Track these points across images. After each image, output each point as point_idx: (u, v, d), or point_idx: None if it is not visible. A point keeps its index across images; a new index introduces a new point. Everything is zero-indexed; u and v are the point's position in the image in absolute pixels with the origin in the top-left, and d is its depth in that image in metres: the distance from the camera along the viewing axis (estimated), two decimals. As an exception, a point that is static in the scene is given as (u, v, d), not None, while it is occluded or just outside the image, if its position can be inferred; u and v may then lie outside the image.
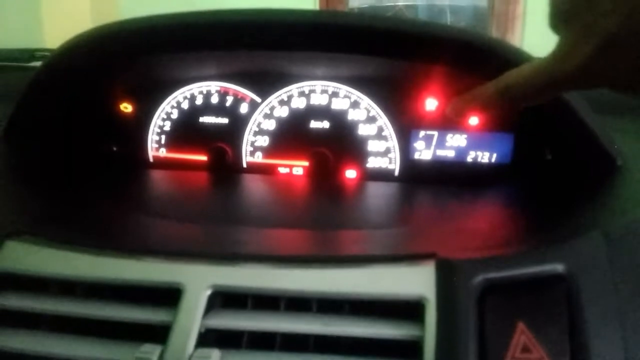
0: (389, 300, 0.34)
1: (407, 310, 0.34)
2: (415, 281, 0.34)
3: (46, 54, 0.89)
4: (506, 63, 0.42)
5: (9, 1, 1.53)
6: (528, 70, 0.36)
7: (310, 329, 0.34)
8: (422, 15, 2.80)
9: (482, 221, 0.46)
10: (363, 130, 0.61)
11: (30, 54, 0.95)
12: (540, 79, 0.35)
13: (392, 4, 2.78)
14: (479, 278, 0.33)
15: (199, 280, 0.35)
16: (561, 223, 0.40)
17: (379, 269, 0.35)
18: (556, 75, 0.33)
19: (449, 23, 2.28)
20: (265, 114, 0.62)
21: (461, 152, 0.59)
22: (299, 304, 0.35)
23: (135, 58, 0.55)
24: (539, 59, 0.36)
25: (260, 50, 0.53)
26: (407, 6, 2.75)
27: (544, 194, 0.50)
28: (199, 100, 0.63)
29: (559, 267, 0.33)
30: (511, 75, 0.37)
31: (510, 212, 0.49)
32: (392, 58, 0.50)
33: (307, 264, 0.36)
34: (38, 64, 0.68)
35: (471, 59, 0.46)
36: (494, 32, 1.82)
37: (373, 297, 0.34)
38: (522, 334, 0.31)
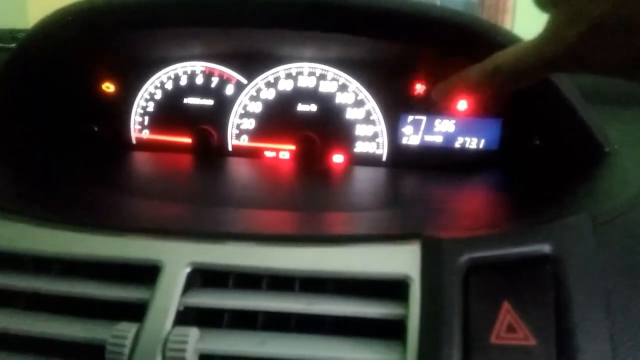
0: (373, 279, 0.33)
1: (391, 289, 0.33)
2: (400, 260, 0.33)
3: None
4: (496, 45, 0.42)
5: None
6: (517, 51, 0.35)
7: (293, 308, 0.33)
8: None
9: (469, 204, 0.45)
10: (351, 114, 0.60)
11: (13, 34, 0.93)
12: (529, 59, 0.34)
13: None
14: (465, 257, 0.32)
15: (177, 258, 0.34)
16: (548, 206, 0.39)
17: (363, 248, 0.34)
18: (545, 55, 0.33)
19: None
20: (251, 96, 0.61)
21: (449, 137, 0.58)
22: (281, 283, 0.35)
23: (117, 35, 0.54)
24: (528, 40, 0.35)
25: (247, 29, 0.51)
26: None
27: (532, 179, 0.49)
28: (183, 81, 0.61)
29: (545, 248, 0.32)
30: (500, 57, 0.36)
31: (498, 196, 0.48)
32: (381, 39, 0.49)
33: (291, 243, 0.35)
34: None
35: (462, 41, 0.46)
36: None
37: (357, 276, 0.33)
38: (507, 314, 0.30)
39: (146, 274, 0.35)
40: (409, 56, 0.54)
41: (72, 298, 0.35)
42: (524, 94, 0.46)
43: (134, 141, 0.64)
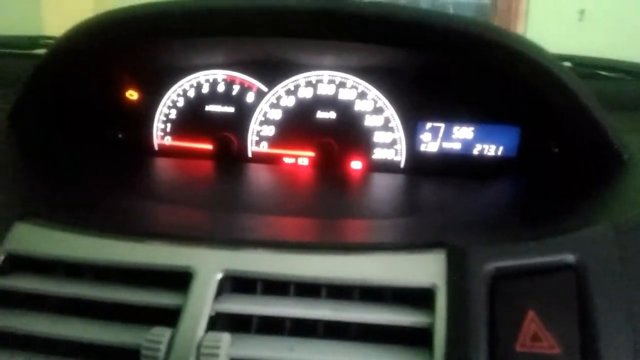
0: (400, 288, 0.34)
1: (417, 297, 0.34)
2: (425, 269, 0.34)
3: (50, 41, 0.88)
4: (513, 55, 0.42)
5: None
6: None
7: (320, 315, 0.34)
8: (425, 11, 2.79)
9: (490, 212, 0.46)
10: (369, 121, 0.60)
11: (34, 41, 0.95)
12: None
13: (395, -1, 2.77)
14: (490, 266, 0.33)
15: (210, 264, 0.35)
16: (570, 214, 0.40)
17: (389, 256, 0.35)
18: None
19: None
20: (271, 104, 0.62)
21: (467, 144, 0.59)
22: (308, 290, 0.35)
23: (141, 44, 0.55)
24: None
25: (268, 38, 0.52)
26: (409, 1, 2.75)
27: (551, 187, 0.50)
28: (205, 89, 0.63)
29: (569, 257, 0.33)
30: None
31: (518, 204, 0.49)
32: (399, 47, 0.49)
33: (318, 251, 0.36)
34: (42, 51, 0.67)
35: (480, 50, 0.46)
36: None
37: (384, 285, 0.34)
38: (532, 323, 0.31)
39: (178, 279, 0.36)
40: (427, 64, 0.55)
41: (103, 304, 0.36)
42: (542, 102, 0.47)
43: (156, 147, 0.65)
